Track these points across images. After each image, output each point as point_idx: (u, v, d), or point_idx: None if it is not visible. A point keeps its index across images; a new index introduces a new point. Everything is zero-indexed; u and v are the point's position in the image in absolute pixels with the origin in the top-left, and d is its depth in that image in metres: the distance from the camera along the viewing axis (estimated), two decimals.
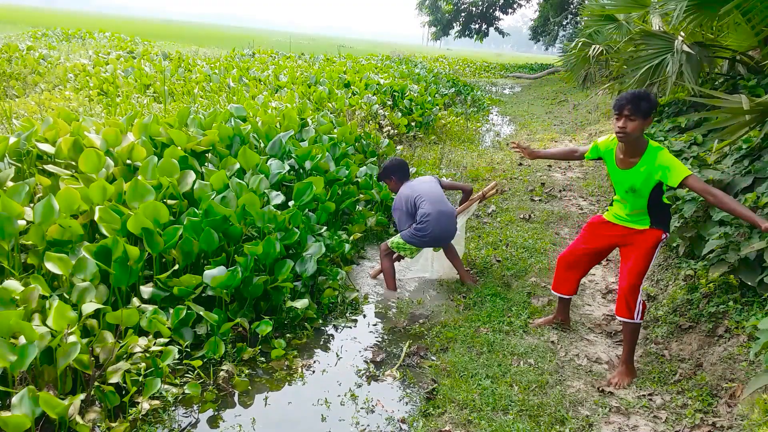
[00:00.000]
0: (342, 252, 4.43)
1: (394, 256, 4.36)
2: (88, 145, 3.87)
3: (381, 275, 4.45)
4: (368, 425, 2.73)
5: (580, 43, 10.74)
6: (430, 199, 4.16)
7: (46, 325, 2.45)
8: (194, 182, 3.86)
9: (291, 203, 4.31)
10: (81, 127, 4.20)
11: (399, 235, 4.24)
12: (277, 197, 4.18)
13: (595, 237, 3.33)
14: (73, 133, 4.08)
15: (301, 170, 5.04)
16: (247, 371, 3.07)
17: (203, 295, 3.32)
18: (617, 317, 3.14)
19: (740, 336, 3.12)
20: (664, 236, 3.05)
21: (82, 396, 2.43)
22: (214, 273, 3.22)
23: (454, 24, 39.85)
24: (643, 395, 3.00)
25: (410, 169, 4.71)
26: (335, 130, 6.28)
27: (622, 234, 3.17)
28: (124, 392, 2.60)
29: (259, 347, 3.24)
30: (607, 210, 3.31)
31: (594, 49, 9.75)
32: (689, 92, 6.09)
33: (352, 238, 4.74)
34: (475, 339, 3.50)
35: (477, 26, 39.57)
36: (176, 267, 3.30)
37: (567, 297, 3.59)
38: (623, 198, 3.10)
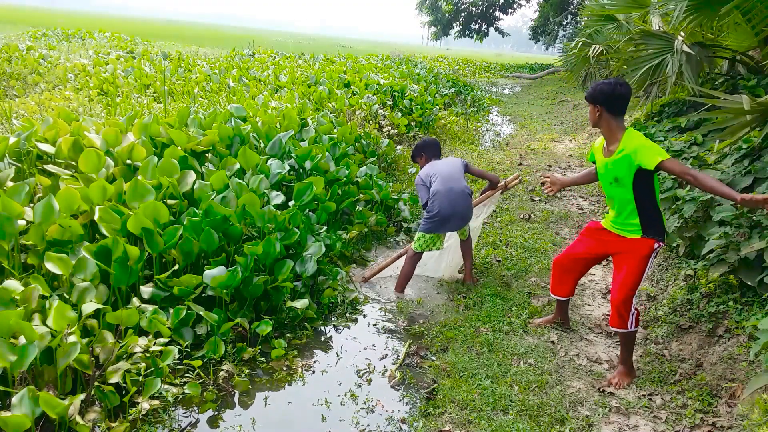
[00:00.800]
0: (337, 251, 4.43)
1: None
2: (88, 145, 3.87)
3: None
4: (368, 425, 2.73)
5: (580, 43, 10.76)
6: (442, 177, 4.16)
7: (46, 325, 2.45)
8: (194, 182, 3.85)
9: (291, 203, 4.31)
10: (81, 127, 4.20)
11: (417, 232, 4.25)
12: (277, 197, 4.18)
13: (590, 242, 3.32)
14: (73, 133, 4.08)
15: (301, 170, 5.04)
16: (247, 371, 3.07)
17: (203, 295, 3.32)
18: (611, 327, 3.13)
19: (740, 336, 3.12)
20: (657, 246, 2.98)
21: (82, 396, 2.43)
22: (214, 273, 3.22)
23: (454, 24, 39.89)
24: (643, 395, 3.00)
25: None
26: (335, 130, 6.28)
27: (615, 241, 3.13)
28: (124, 392, 2.60)
29: (259, 347, 3.24)
30: (604, 216, 3.30)
31: (594, 49, 9.75)
32: (689, 92, 6.10)
33: (348, 236, 4.74)
34: (475, 339, 3.50)
35: (477, 26, 39.60)
36: (176, 267, 3.30)
37: (565, 299, 3.60)
38: (609, 195, 3.07)
